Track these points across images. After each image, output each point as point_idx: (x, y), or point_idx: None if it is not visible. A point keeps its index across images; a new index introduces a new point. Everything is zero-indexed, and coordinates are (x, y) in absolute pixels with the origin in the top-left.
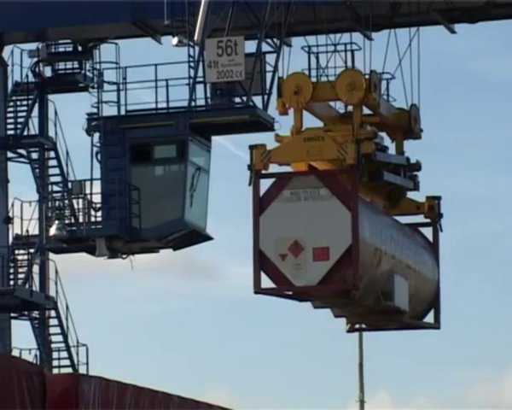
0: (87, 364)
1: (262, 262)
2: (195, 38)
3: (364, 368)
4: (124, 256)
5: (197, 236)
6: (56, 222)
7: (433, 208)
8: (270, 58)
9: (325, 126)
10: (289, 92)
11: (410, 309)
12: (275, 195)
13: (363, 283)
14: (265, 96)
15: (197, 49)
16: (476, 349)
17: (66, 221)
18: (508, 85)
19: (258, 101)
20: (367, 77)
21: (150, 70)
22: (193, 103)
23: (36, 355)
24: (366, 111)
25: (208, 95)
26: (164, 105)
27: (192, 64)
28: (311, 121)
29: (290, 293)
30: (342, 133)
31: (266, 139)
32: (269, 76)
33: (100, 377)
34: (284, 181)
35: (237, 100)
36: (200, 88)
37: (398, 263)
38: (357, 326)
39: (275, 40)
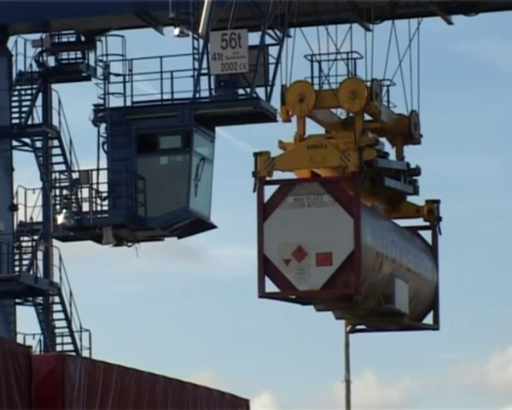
0: (90, 348)
1: (266, 267)
2: (200, 30)
3: (350, 349)
4: (129, 244)
5: (201, 224)
6: (64, 211)
7: (432, 212)
8: (273, 50)
9: (327, 133)
10: (293, 100)
11: (410, 311)
12: (279, 201)
13: (364, 286)
14: (268, 88)
15: (201, 41)
16: (461, 332)
17: (74, 210)
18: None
19: (261, 92)
20: (368, 84)
21: (155, 62)
22: (197, 95)
23: (40, 340)
24: (367, 117)
25: (212, 86)
26: (169, 96)
27: (196, 56)
28: (312, 127)
29: (293, 297)
30: (344, 140)
31: (269, 129)
32: (272, 68)
33: (85, 357)
34: (288, 188)
35: (241, 91)
36: (204, 80)
37: (398, 267)
38: (357, 327)
39: (277, 32)
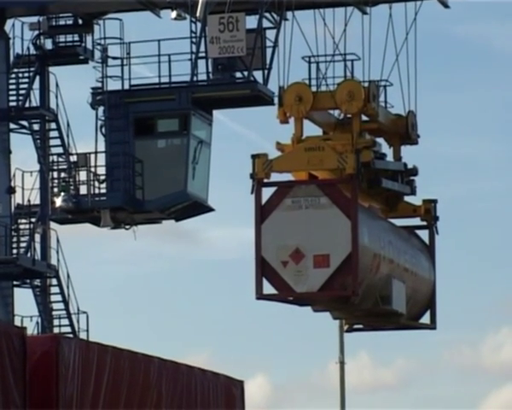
0: (87, 331)
1: (264, 269)
2: (197, 14)
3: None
4: (127, 227)
5: (199, 207)
6: (62, 194)
7: (429, 211)
8: (271, 34)
9: (324, 134)
10: (290, 102)
11: (407, 310)
12: (276, 203)
13: (362, 288)
14: (266, 71)
15: (199, 25)
16: (456, 314)
17: (72, 193)
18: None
19: (258, 76)
20: (365, 85)
21: (153, 45)
22: (195, 78)
23: (37, 323)
24: (364, 117)
25: (210, 70)
26: (166, 80)
27: (194, 40)
28: (309, 127)
29: (291, 299)
30: (342, 142)
31: (266, 113)
32: (269, 51)
33: (80, 338)
34: (286, 190)
35: (238, 75)
36: (201, 63)
37: (395, 267)
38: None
39: (275, 16)
